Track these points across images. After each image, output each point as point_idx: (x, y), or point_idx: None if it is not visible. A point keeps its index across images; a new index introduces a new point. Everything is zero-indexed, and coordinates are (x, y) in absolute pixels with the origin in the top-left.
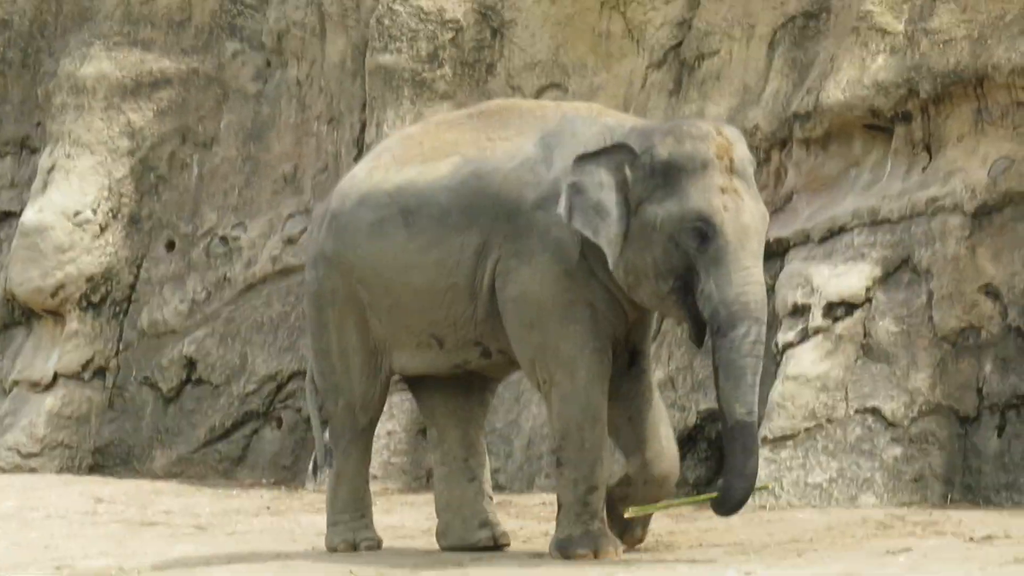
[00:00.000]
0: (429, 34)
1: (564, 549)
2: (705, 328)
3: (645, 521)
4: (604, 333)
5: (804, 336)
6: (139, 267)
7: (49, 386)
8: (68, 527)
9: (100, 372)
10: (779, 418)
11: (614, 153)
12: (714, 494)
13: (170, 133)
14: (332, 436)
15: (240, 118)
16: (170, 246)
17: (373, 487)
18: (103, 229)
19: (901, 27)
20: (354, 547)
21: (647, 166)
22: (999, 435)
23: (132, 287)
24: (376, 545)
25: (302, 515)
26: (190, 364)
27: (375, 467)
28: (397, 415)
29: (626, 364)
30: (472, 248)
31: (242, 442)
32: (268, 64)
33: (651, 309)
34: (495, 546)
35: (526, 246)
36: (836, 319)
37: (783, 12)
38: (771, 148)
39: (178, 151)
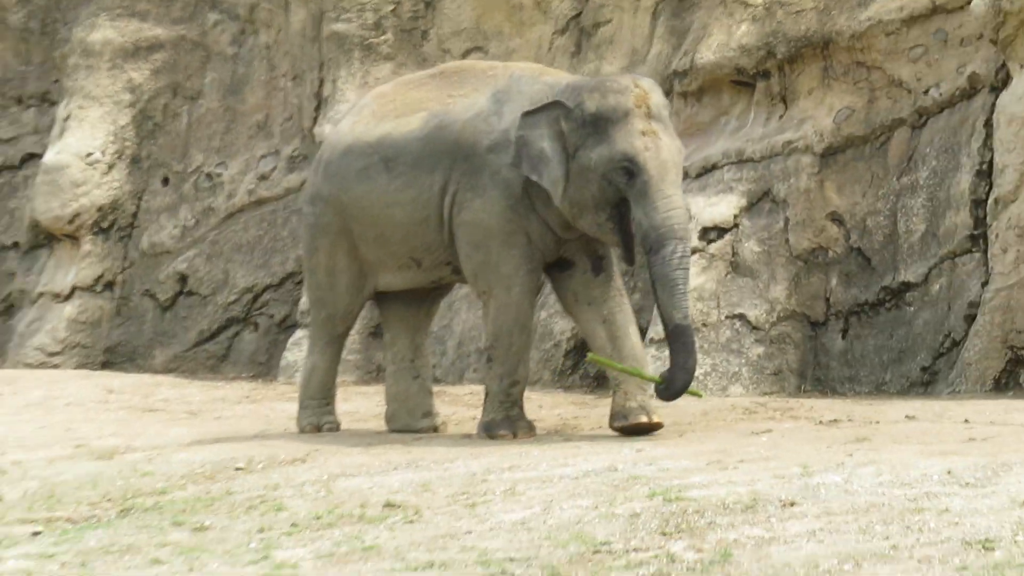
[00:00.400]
0: (374, 6)
1: (488, 430)
2: (633, 249)
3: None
4: (536, 257)
5: None
6: (140, 199)
7: (68, 297)
8: (84, 413)
9: (109, 285)
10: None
11: (551, 109)
12: (659, 379)
13: (163, 88)
14: (311, 337)
15: (220, 76)
16: (165, 181)
17: None
18: (110, 168)
19: (760, 0)
20: (318, 428)
21: (579, 118)
22: (843, 337)
23: (134, 215)
24: (336, 427)
25: (276, 403)
26: (182, 279)
27: None
28: None
29: (592, 272)
30: (438, 186)
31: (225, 343)
32: (243, 32)
33: (592, 235)
34: (434, 432)
35: (479, 182)
36: (710, 241)
37: None
38: None
39: (170, 103)
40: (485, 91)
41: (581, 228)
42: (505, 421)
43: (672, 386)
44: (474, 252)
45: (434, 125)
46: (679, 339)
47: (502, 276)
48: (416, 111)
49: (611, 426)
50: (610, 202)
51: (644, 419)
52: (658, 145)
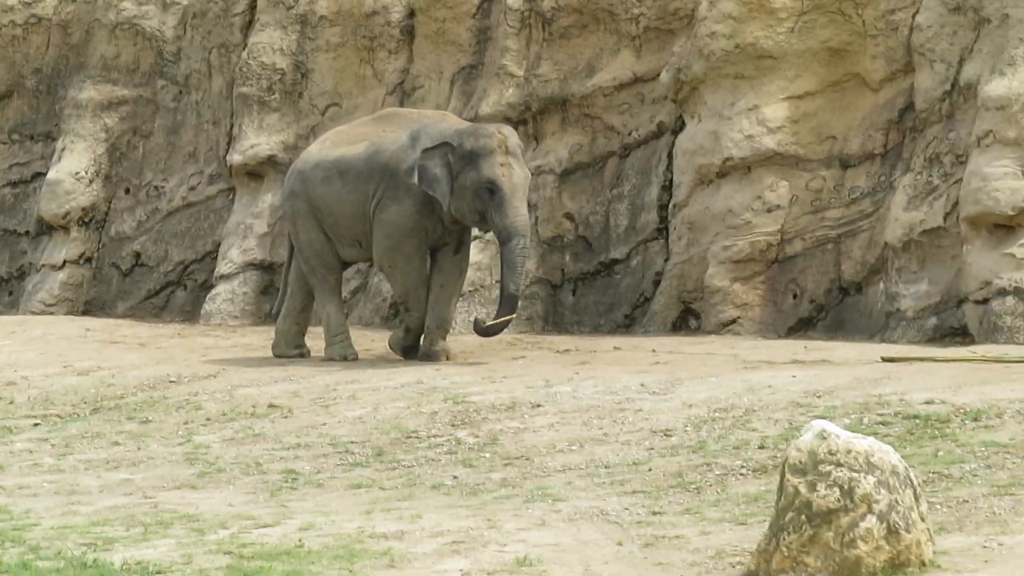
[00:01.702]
0: (267, 76)
1: (406, 353)
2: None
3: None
4: (428, 242)
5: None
6: (110, 203)
7: (61, 267)
8: (70, 344)
9: (89, 259)
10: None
11: (442, 147)
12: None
13: (127, 129)
14: (318, 294)
15: (165, 121)
16: (127, 191)
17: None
18: (91, 182)
19: (522, 72)
20: (345, 357)
21: (460, 153)
22: (573, 295)
23: (106, 213)
24: (356, 356)
25: (198, 338)
26: (137, 255)
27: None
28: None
29: (453, 252)
30: (371, 192)
31: (165, 298)
32: (180, 92)
33: (470, 226)
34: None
35: (398, 194)
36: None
37: (458, 64)
38: None
39: (131, 139)
40: (405, 130)
41: (465, 223)
42: (414, 348)
43: (489, 331)
44: (384, 239)
45: (372, 151)
46: (507, 302)
47: (406, 254)
48: (361, 141)
49: (419, 358)
50: (479, 209)
51: (444, 358)
52: (511, 173)
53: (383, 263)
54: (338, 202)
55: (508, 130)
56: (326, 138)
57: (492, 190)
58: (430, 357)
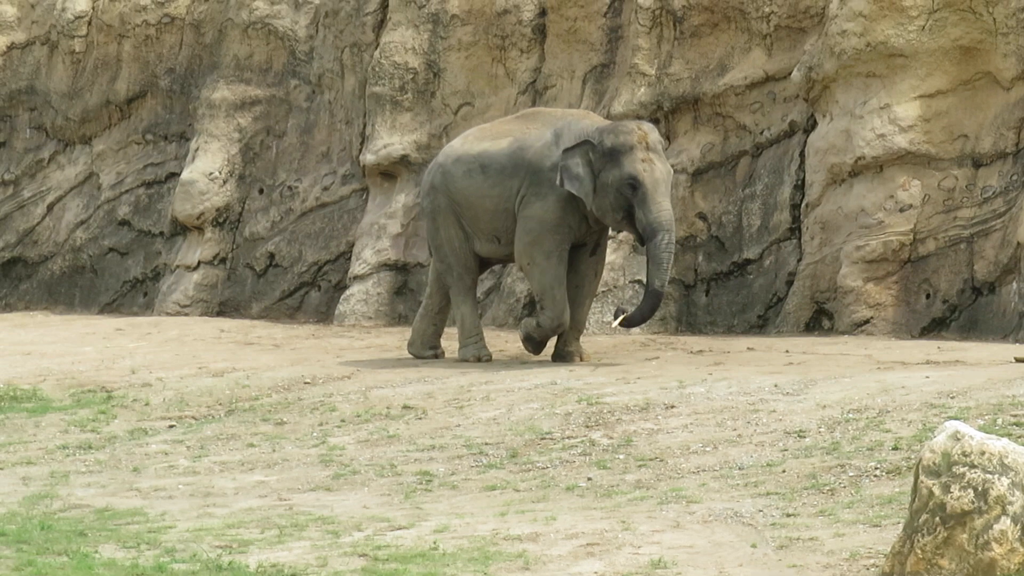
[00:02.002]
0: (400, 75)
1: (521, 333)
2: (642, 237)
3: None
4: (569, 240)
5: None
6: (244, 203)
7: (195, 268)
8: (205, 345)
9: (223, 260)
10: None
11: (583, 145)
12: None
13: (260, 129)
14: (453, 294)
15: (298, 121)
16: (260, 191)
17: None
18: (224, 182)
19: (653, 71)
20: (479, 359)
21: (600, 151)
22: (706, 295)
23: (240, 213)
24: (490, 357)
25: (332, 339)
26: (271, 256)
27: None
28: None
29: (589, 253)
30: (515, 188)
31: (299, 299)
32: (313, 92)
33: (613, 228)
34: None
35: (542, 190)
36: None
37: (589, 63)
38: None
39: (264, 139)
40: (549, 127)
41: (606, 224)
42: (540, 344)
43: (629, 322)
44: (526, 235)
45: (516, 147)
46: (650, 297)
47: (545, 250)
48: (505, 137)
49: (552, 359)
50: (623, 207)
51: (577, 359)
52: (653, 168)
53: (523, 260)
54: (479, 196)
55: (648, 126)
56: (468, 134)
57: (634, 186)
58: (563, 358)
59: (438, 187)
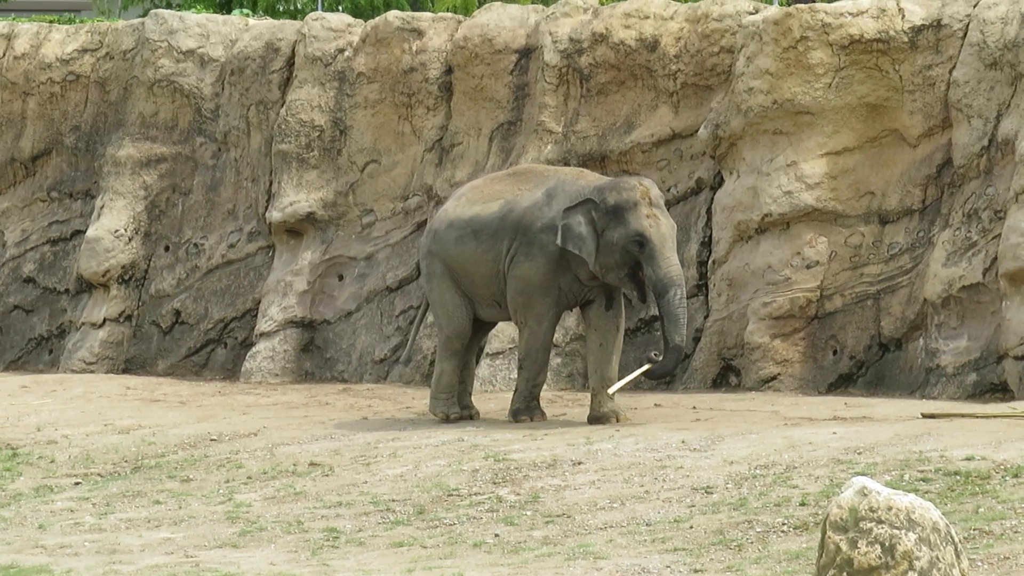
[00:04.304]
0: (306, 133)
1: (515, 416)
2: (644, 293)
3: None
4: (562, 302)
5: None
6: (149, 260)
7: (101, 325)
8: (111, 402)
9: (129, 317)
10: (495, 342)
11: (585, 204)
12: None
13: (166, 187)
14: (439, 350)
15: (204, 178)
16: (166, 248)
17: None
18: (130, 240)
19: (560, 129)
20: (448, 416)
21: (603, 209)
22: None
23: (145, 271)
24: (458, 415)
25: (238, 396)
26: (177, 313)
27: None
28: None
29: (604, 307)
30: (506, 250)
31: (205, 356)
32: (219, 149)
33: (615, 285)
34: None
35: (532, 251)
36: None
37: (496, 120)
38: None
39: (170, 197)
40: (541, 187)
41: (608, 282)
42: (526, 410)
43: (653, 374)
44: (518, 296)
45: (507, 209)
46: (673, 352)
47: (536, 314)
48: (496, 199)
49: (588, 421)
50: (628, 264)
51: (614, 420)
52: (659, 224)
53: (516, 320)
54: (473, 262)
55: (648, 181)
56: (461, 194)
57: (641, 243)
58: (600, 420)
59: (434, 252)
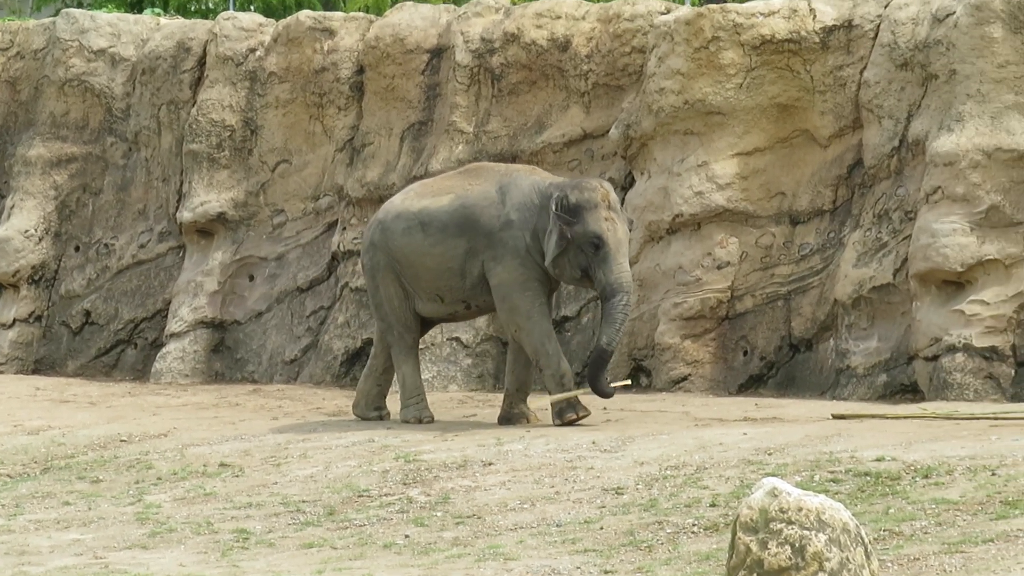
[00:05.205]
0: (217, 132)
1: (561, 417)
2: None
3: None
4: (543, 292)
5: None
6: (60, 260)
7: (11, 325)
8: (20, 403)
9: (39, 318)
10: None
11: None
12: (587, 389)
13: (76, 187)
14: (395, 354)
15: (114, 178)
16: (76, 249)
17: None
18: (40, 240)
19: (471, 129)
20: (420, 420)
21: (565, 207)
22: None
23: (56, 271)
24: (431, 418)
25: (148, 397)
26: (87, 313)
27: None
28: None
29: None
30: (462, 248)
31: (115, 356)
32: (130, 149)
33: (567, 283)
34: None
35: (498, 253)
36: None
37: (407, 120)
38: None
39: (81, 197)
40: (493, 183)
41: (562, 279)
42: (569, 407)
43: (595, 389)
44: (503, 303)
45: (458, 204)
46: (601, 357)
47: (523, 314)
48: (446, 193)
49: (499, 421)
50: (582, 264)
51: (524, 421)
52: (615, 228)
53: (510, 329)
54: (419, 254)
55: (608, 184)
56: (410, 189)
57: (597, 245)
58: (509, 420)
59: (378, 244)
